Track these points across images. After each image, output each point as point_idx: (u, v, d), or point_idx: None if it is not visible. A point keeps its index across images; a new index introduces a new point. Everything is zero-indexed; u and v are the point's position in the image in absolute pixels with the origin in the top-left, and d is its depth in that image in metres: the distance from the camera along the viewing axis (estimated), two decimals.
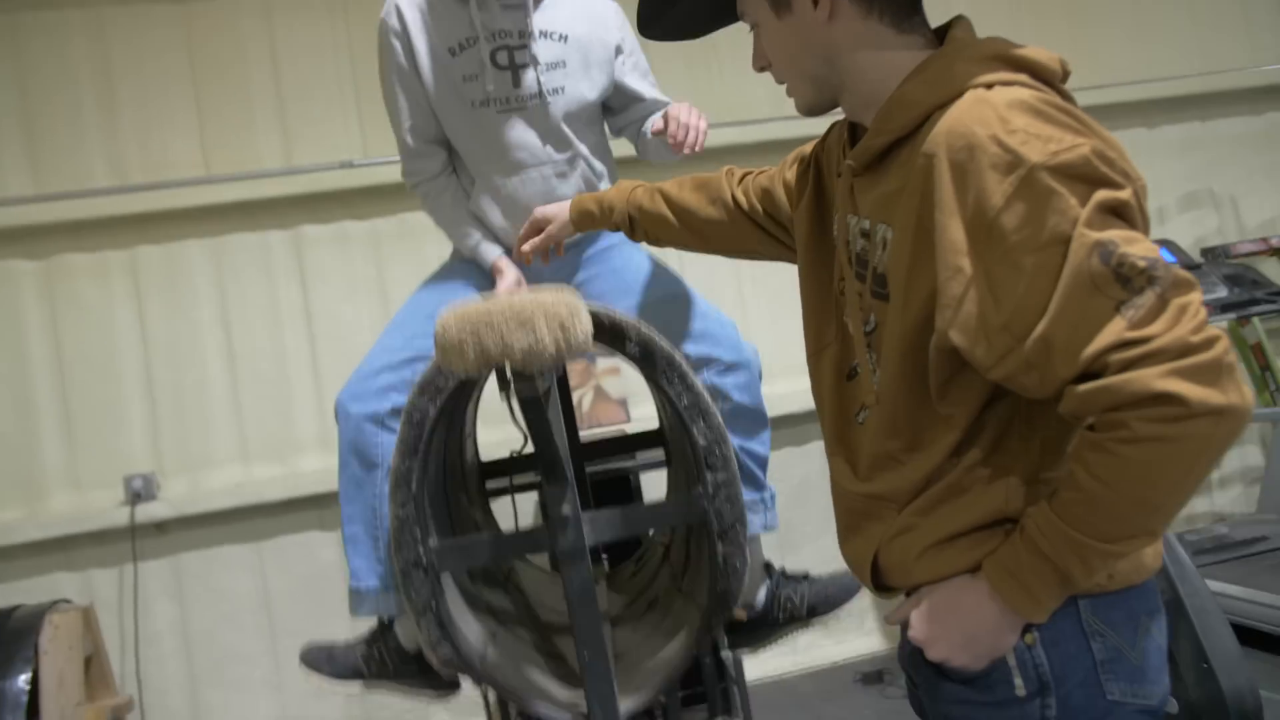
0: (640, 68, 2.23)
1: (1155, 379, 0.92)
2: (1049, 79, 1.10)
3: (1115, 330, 0.94)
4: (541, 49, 2.08)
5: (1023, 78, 1.07)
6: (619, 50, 2.20)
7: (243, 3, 3.52)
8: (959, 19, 1.19)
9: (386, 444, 1.92)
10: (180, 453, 3.41)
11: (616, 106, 2.26)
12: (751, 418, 2.09)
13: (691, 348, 2.06)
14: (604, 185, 2.23)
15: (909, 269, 1.08)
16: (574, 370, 3.62)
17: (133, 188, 3.38)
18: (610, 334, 1.73)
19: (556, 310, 1.46)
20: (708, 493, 1.71)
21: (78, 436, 3.35)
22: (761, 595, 2.09)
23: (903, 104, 1.12)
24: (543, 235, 1.81)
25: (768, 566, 2.13)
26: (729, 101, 3.86)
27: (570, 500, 1.66)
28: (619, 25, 2.20)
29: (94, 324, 3.38)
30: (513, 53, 2.08)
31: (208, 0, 3.50)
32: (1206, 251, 3.97)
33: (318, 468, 3.47)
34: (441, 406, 1.70)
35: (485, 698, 2.21)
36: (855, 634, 3.76)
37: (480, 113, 2.07)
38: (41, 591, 3.23)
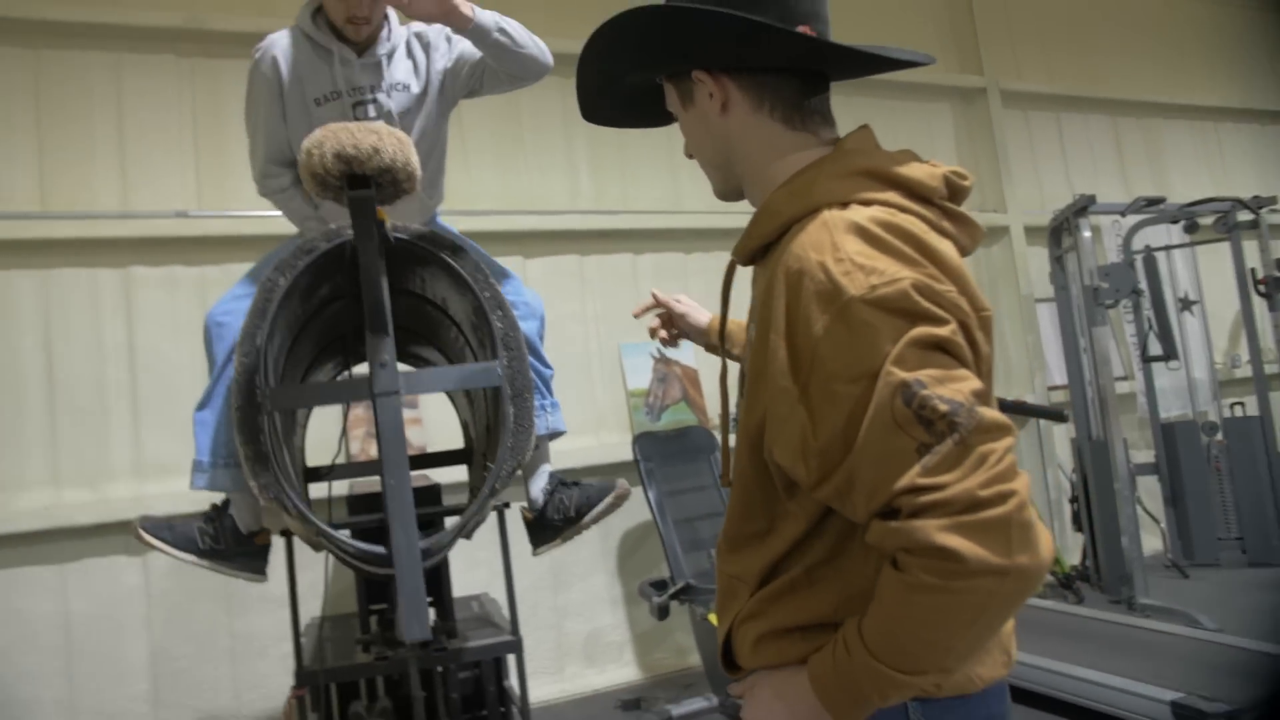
0: (464, 55, 2.51)
1: (936, 531, 0.92)
2: (926, 195, 1.13)
3: (911, 474, 0.94)
4: (395, 100, 2.44)
5: (890, 195, 1.10)
6: (458, 57, 2.52)
7: (94, 57, 3.75)
8: (863, 128, 1.22)
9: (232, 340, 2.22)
10: None
11: (472, 88, 2.54)
12: (539, 353, 2.51)
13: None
14: (435, 207, 2.64)
15: (755, 373, 1.12)
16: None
17: None
18: (430, 239, 2.08)
19: (396, 132, 1.91)
20: (504, 364, 2.02)
21: None
22: (541, 498, 2.53)
23: (768, 212, 1.16)
24: (675, 329, 1.85)
25: (551, 474, 2.57)
26: (532, 193, 4.45)
27: (388, 348, 1.91)
28: (448, 38, 2.51)
29: None
30: (368, 106, 2.42)
31: (60, 50, 3.71)
32: None
33: (129, 495, 3.64)
34: (291, 283, 1.97)
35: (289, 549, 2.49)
36: (615, 664, 4.28)
37: None
38: None
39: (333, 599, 3.39)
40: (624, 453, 4.12)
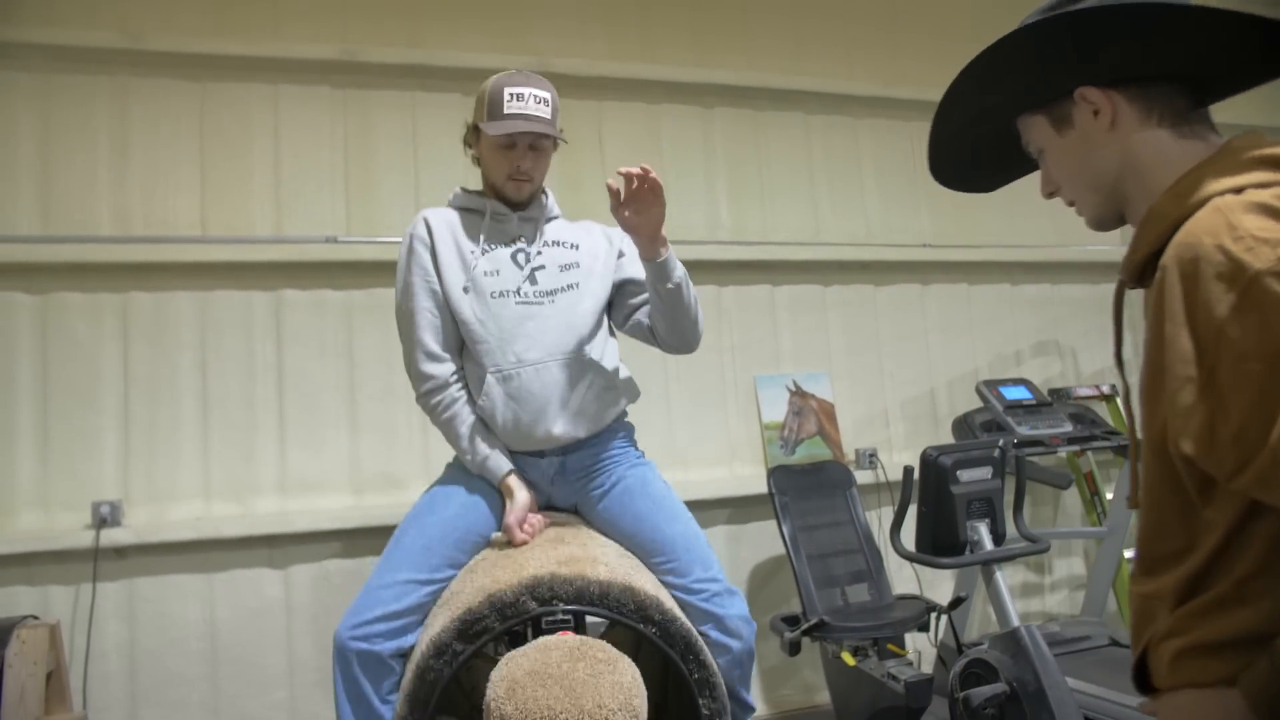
0: (633, 272, 2.44)
1: None
2: None
3: None
4: (554, 254, 2.36)
5: None
6: (621, 254, 2.48)
7: (254, 89, 3.93)
8: (1250, 132, 1.16)
9: (377, 682, 2.02)
10: (147, 484, 3.65)
11: (624, 300, 2.47)
12: (743, 666, 2.27)
13: (700, 570, 2.26)
14: (617, 382, 2.41)
15: (1151, 377, 1.07)
16: None
17: (133, 239, 3.69)
18: (635, 612, 1.86)
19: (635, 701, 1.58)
20: None
21: (53, 461, 3.57)
22: None
23: (1154, 218, 1.12)
24: None
25: None
26: (671, 223, 4.43)
27: None
28: (619, 235, 2.47)
29: (81, 358, 3.63)
30: (529, 255, 2.35)
31: (222, 82, 3.90)
32: (1053, 392, 4.70)
33: (273, 510, 3.76)
34: (454, 671, 1.81)
35: None
36: None
37: (499, 303, 2.28)
38: (0, 603, 3.43)
39: None
40: (757, 485, 4.06)
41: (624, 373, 2.48)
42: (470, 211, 2.41)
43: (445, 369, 2.33)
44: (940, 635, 3.66)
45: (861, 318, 4.79)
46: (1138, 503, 1.20)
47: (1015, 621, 3.12)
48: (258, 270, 3.84)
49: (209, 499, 3.72)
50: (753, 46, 4.78)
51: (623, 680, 1.63)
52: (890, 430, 4.75)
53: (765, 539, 4.24)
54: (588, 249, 2.46)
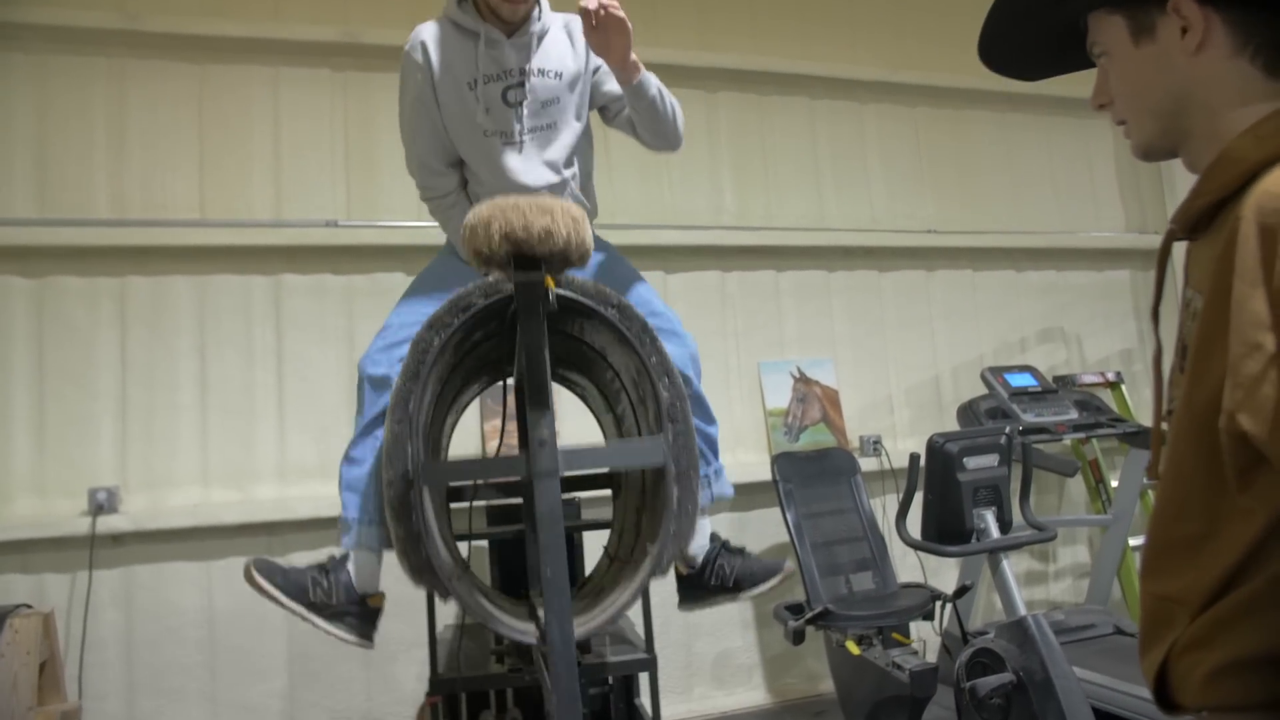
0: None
1: None
2: None
3: None
4: (539, 86, 2.37)
5: None
6: (596, 69, 2.48)
7: (254, 71, 3.89)
8: None
9: (383, 399, 2.14)
10: (145, 471, 3.62)
11: (609, 106, 2.52)
12: (701, 404, 2.36)
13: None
14: (587, 203, 2.51)
15: (1204, 342, 0.97)
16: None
17: (130, 222, 3.66)
18: (595, 295, 1.95)
19: (571, 210, 1.78)
20: (668, 440, 1.87)
21: (49, 447, 3.54)
22: (701, 556, 2.37)
23: (1228, 160, 1.00)
24: None
25: (714, 535, 2.42)
26: (675, 208, 4.42)
27: (548, 424, 1.77)
28: None
29: (78, 343, 3.59)
30: (515, 90, 2.36)
31: (221, 64, 3.85)
32: (1058, 379, 4.66)
33: (272, 496, 3.72)
34: (444, 341, 1.88)
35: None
36: (745, 688, 4.19)
37: (489, 142, 2.37)
38: None
39: None
40: (761, 472, 4.03)
41: (592, 196, 2.60)
42: (464, 31, 2.38)
43: (447, 182, 2.46)
44: (945, 624, 3.63)
45: (866, 304, 4.75)
46: (1158, 474, 1.09)
47: (1022, 610, 3.09)
48: (257, 254, 3.80)
49: (207, 485, 3.69)
50: (758, 30, 4.73)
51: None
52: (895, 417, 4.72)
53: (769, 526, 4.20)
54: (569, 76, 2.45)
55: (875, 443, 4.51)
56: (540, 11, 2.43)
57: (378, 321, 3.77)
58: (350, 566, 2.22)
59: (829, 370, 4.55)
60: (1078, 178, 5.33)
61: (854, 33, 4.94)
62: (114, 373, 3.63)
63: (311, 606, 2.16)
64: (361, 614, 2.20)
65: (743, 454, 4.38)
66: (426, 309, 2.11)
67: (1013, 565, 3.26)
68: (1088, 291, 5.25)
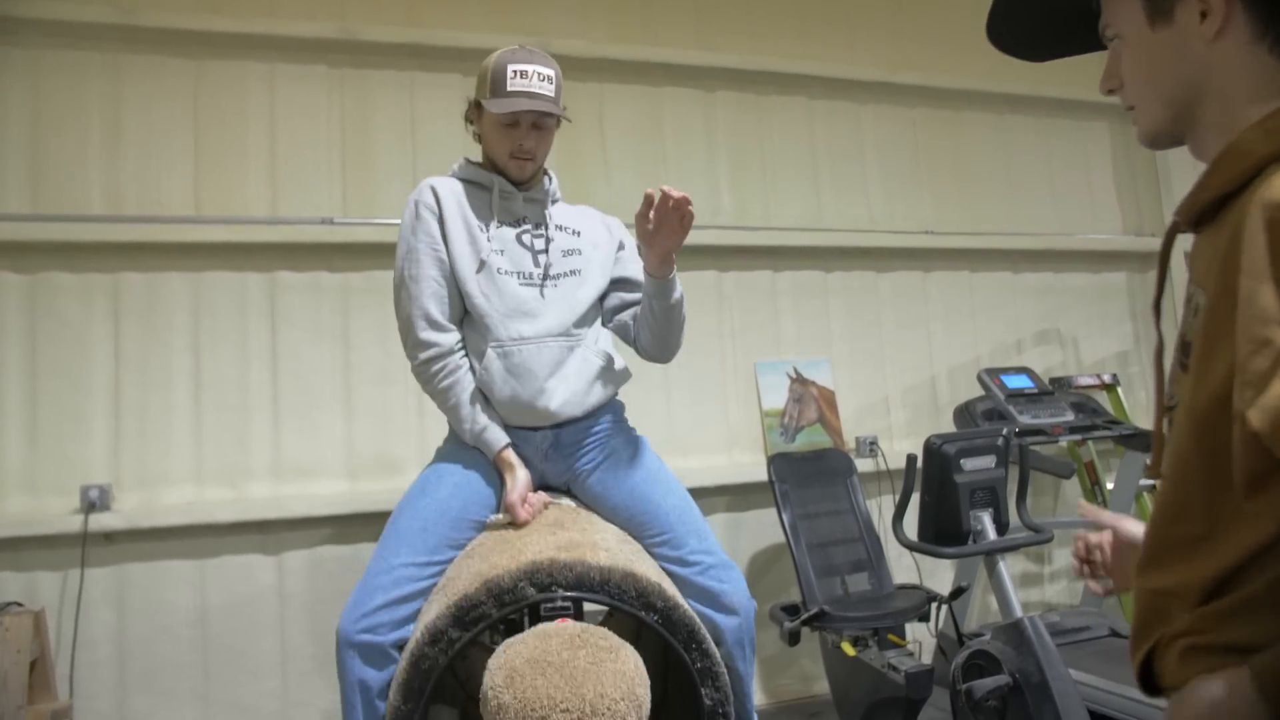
0: (637, 260, 2.38)
1: None
2: None
3: None
4: (559, 239, 2.35)
5: None
6: (620, 246, 2.48)
7: (250, 67, 3.87)
8: None
9: (384, 675, 1.98)
10: (138, 468, 3.59)
11: (615, 295, 2.46)
12: (747, 648, 2.27)
13: (695, 542, 2.27)
14: (612, 365, 2.39)
15: (1209, 340, 0.94)
16: None
17: (125, 218, 3.63)
18: (637, 599, 1.83)
19: (636, 693, 1.54)
20: None
21: (41, 444, 3.52)
22: None
23: (1236, 153, 0.98)
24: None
25: None
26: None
27: None
28: (618, 226, 2.50)
29: (71, 339, 3.56)
30: (534, 238, 2.34)
31: (217, 60, 3.83)
32: (1054, 381, 4.65)
33: (267, 495, 3.70)
34: (450, 659, 1.77)
35: None
36: None
37: (504, 280, 2.27)
38: None
39: None
40: (757, 473, 4.02)
41: (619, 361, 2.46)
42: (476, 186, 2.37)
43: (449, 338, 2.30)
44: (940, 625, 3.63)
45: (863, 304, 4.74)
46: (1158, 473, 1.06)
47: (1018, 612, 3.09)
48: (252, 251, 3.78)
49: (201, 483, 3.67)
50: (756, 29, 4.72)
51: (625, 669, 1.57)
52: (891, 418, 4.71)
53: (765, 527, 4.20)
54: (589, 238, 2.44)
55: (871, 444, 4.50)
56: (552, 181, 2.44)
57: (373, 319, 3.82)
58: None
59: (825, 371, 4.54)
60: (1075, 180, 5.32)
61: (852, 33, 4.93)
62: (107, 369, 3.61)
63: None
64: None
65: (739, 454, 4.37)
66: (421, 551, 2.05)
67: (1009, 567, 3.25)
68: (1084, 293, 5.24)
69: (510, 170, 2.35)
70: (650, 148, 4.43)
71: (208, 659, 3.58)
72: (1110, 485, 4.59)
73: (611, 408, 2.48)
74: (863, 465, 4.33)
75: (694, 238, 4.26)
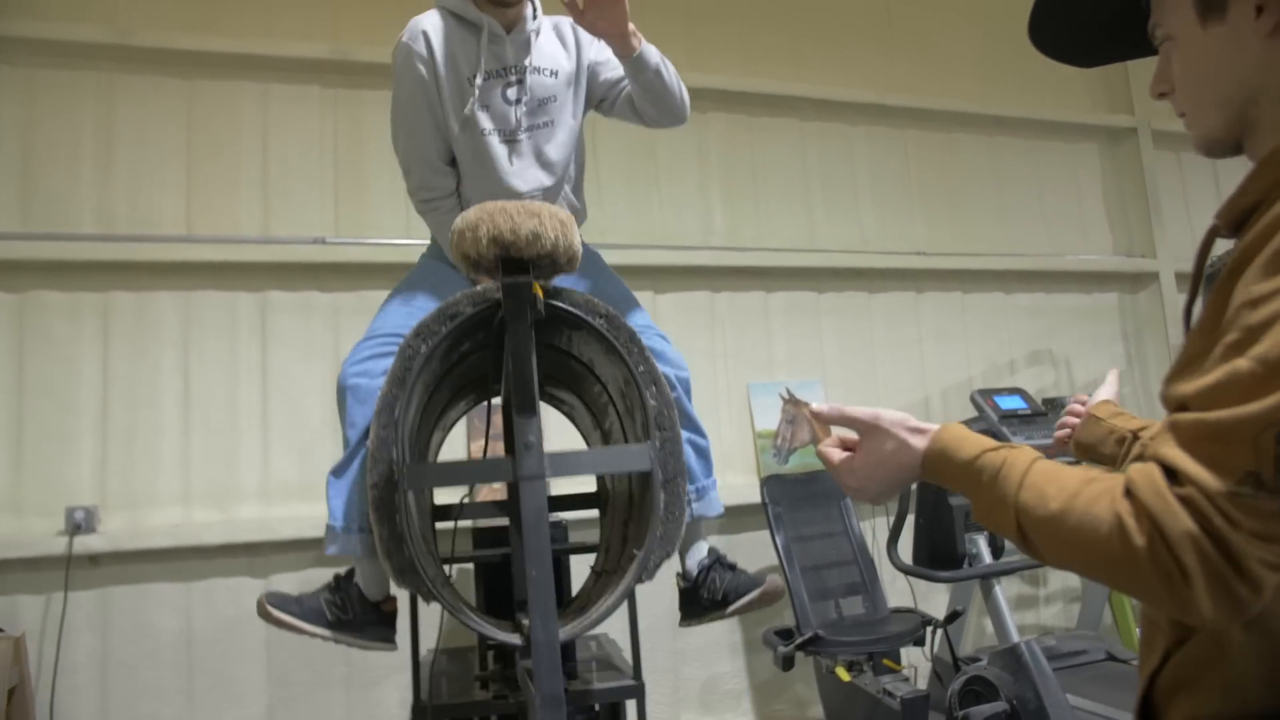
0: (610, 61, 2.42)
1: None
2: None
3: None
4: (536, 84, 2.36)
5: None
6: (609, 59, 2.45)
7: (244, 88, 3.86)
8: None
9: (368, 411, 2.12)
10: (124, 490, 3.55)
11: (607, 93, 2.49)
12: (691, 421, 2.34)
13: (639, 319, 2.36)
14: (579, 205, 2.52)
15: (1205, 340, 0.90)
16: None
17: (116, 237, 3.61)
18: (583, 305, 1.96)
19: (559, 214, 1.81)
20: (655, 446, 1.88)
21: (26, 464, 3.47)
22: (696, 571, 2.37)
23: (1277, 157, 0.94)
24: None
25: (711, 549, 2.42)
26: (665, 228, 4.40)
27: (534, 429, 1.79)
28: (588, 41, 2.47)
29: (59, 359, 3.53)
30: (514, 88, 2.35)
31: (211, 80, 3.82)
32: (1047, 401, 4.64)
33: (255, 517, 3.66)
34: (431, 349, 1.88)
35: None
36: (733, 713, 4.13)
37: (486, 140, 2.33)
38: None
39: (449, 631, 3.36)
40: (749, 495, 3.99)
41: (583, 200, 2.59)
42: (464, 23, 2.35)
43: (447, 182, 2.41)
44: (936, 650, 3.60)
45: (856, 325, 4.73)
46: None
47: (1014, 637, 3.06)
48: (243, 271, 3.76)
49: (189, 505, 3.63)
50: (748, 52, 4.73)
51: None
52: None
53: (758, 550, 4.16)
54: (565, 75, 2.44)
55: None
56: (535, 11, 2.43)
57: None
58: (358, 579, 2.26)
59: (818, 391, 4.52)
60: (1066, 201, 5.34)
61: (844, 55, 4.94)
62: (95, 389, 3.57)
63: (332, 625, 2.21)
64: (380, 619, 2.26)
65: (731, 476, 4.34)
66: (410, 318, 2.13)
67: (1004, 590, 3.23)
68: (1076, 314, 5.25)
69: (494, 14, 2.34)
70: (642, 168, 4.43)
71: (192, 684, 3.53)
72: None
73: (593, 264, 2.55)
74: None
75: (686, 258, 4.34)
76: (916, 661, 3.99)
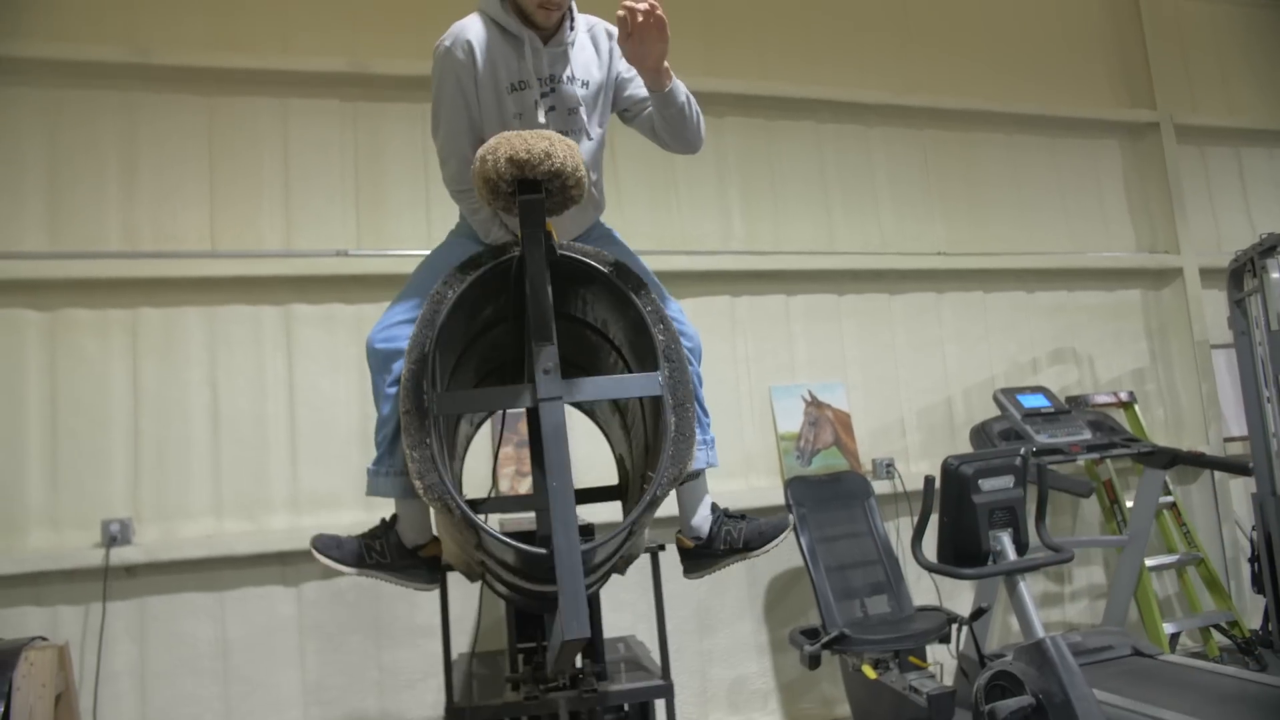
0: (638, 79, 2.43)
1: None
2: None
3: None
4: (566, 94, 2.39)
5: None
6: (622, 75, 2.50)
7: (263, 103, 3.92)
8: None
9: (396, 370, 2.25)
10: (158, 502, 3.62)
11: (631, 108, 2.55)
12: (697, 394, 2.40)
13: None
14: (600, 199, 2.58)
15: None
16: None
17: (141, 254, 3.68)
18: (594, 256, 2.10)
19: (567, 140, 1.95)
20: (665, 375, 2.03)
21: (62, 479, 3.54)
22: (706, 528, 2.46)
23: None
24: None
25: (714, 505, 2.50)
26: (684, 234, 4.42)
27: (551, 356, 1.93)
28: (619, 53, 2.44)
29: (90, 375, 3.60)
30: (546, 98, 2.39)
31: (230, 97, 3.88)
32: (1070, 399, 4.64)
33: (285, 526, 3.72)
34: (459, 295, 2.01)
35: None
36: (760, 713, 4.15)
37: None
38: (8, 624, 3.38)
39: (482, 634, 3.39)
40: (774, 496, 4.01)
41: (602, 195, 2.63)
42: (507, 34, 2.38)
43: None
44: (961, 646, 3.60)
45: (876, 327, 4.74)
46: None
47: (1040, 632, 3.06)
48: (267, 285, 3.82)
49: (220, 516, 3.69)
50: (764, 56, 4.75)
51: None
52: (907, 440, 4.70)
53: (783, 551, 4.13)
54: (595, 84, 2.48)
55: (888, 465, 4.49)
56: (572, 21, 2.46)
57: None
58: (399, 527, 2.39)
59: (840, 394, 4.53)
60: (1087, 198, 5.32)
61: (860, 57, 4.96)
62: (126, 404, 3.64)
63: (369, 566, 2.36)
64: (418, 564, 2.39)
65: (755, 478, 4.36)
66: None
67: (1029, 587, 3.23)
68: (1099, 311, 5.23)
69: (538, 19, 2.36)
70: (661, 174, 4.46)
71: (228, 691, 3.59)
72: (1129, 503, 4.56)
73: (594, 226, 2.64)
74: (880, 487, 4.32)
75: (706, 263, 4.36)
76: (942, 659, 3.99)
